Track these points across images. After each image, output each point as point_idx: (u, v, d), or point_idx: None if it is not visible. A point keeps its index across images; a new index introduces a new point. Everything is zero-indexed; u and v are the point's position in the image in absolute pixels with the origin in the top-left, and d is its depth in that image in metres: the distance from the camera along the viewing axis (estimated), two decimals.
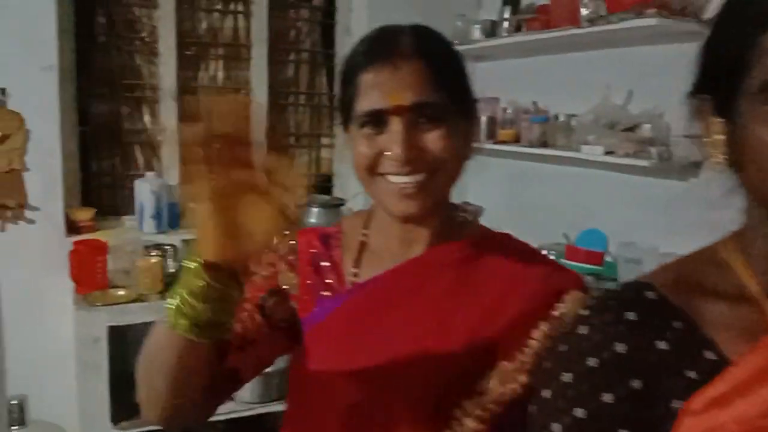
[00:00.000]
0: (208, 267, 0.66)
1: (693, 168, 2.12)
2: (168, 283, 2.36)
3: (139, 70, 2.77)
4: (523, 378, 0.82)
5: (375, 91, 0.80)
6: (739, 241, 0.63)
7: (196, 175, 0.62)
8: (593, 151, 2.25)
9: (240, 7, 2.91)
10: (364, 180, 0.85)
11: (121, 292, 2.28)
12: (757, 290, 0.59)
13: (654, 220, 2.24)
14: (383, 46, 0.83)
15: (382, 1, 2.88)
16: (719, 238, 0.65)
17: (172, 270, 2.46)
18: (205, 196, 0.63)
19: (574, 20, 2.29)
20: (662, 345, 0.59)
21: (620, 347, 0.59)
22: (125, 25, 2.73)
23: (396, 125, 0.80)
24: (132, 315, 2.18)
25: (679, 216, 2.18)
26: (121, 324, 2.17)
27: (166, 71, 2.75)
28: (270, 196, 0.63)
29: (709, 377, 0.55)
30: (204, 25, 2.87)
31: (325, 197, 3.03)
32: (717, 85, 0.59)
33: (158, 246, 2.51)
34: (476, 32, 2.83)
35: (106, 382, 2.16)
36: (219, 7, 2.89)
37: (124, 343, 2.25)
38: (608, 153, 2.21)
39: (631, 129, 2.26)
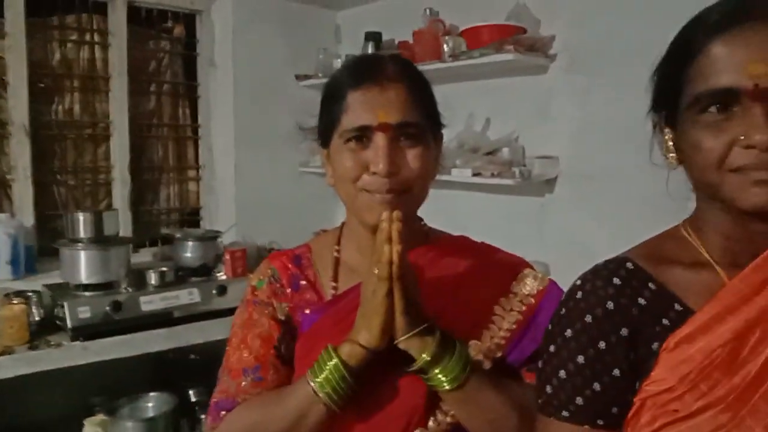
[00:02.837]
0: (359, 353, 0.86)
1: (548, 185, 2.41)
2: (34, 332, 2.17)
3: None
4: (493, 351, 0.92)
5: (363, 108, 0.89)
6: (693, 221, 0.82)
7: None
8: (462, 174, 2.46)
9: (96, 38, 2.80)
10: (349, 191, 0.93)
11: None
12: (709, 258, 0.77)
13: (519, 233, 2.49)
14: (371, 69, 0.92)
15: (246, 33, 2.93)
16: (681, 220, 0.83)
17: (37, 318, 2.27)
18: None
19: (437, 55, 2.51)
20: (642, 301, 0.76)
21: (610, 305, 0.75)
22: None
23: (381, 141, 0.89)
24: (1, 370, 1.97)
25: (539, 227, 2.46)
26: None
27: (17, 104, 2.55)
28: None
29: (679, 323, 0.73)
30: (57, 55, 2.71)
31: (197, 230, 2.97)
32: (666, 103, 0.78)
33: (19, 293, 2.29)
34: (339, 65, 2.97)
35: None
36: (74, 37, 2.75)
37: None
38: (475, 175, 2.44)
39: (492, 153, 2.51)
